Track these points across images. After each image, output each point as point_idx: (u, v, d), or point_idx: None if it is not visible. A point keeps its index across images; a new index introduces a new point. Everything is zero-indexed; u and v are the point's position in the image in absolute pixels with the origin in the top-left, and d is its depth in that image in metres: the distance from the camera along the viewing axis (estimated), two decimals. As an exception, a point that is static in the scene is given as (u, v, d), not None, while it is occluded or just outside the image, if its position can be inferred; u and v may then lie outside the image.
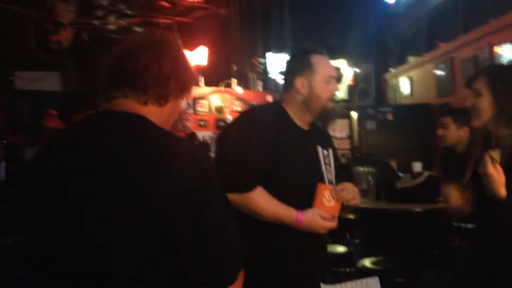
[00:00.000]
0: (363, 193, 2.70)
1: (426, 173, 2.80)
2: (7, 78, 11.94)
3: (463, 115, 3.26)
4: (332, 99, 1.86)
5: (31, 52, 8.52)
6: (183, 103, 7.94)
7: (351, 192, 1.79)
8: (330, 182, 1.85)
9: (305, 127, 1.91)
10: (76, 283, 1.07)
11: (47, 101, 12.49)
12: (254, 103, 8.48)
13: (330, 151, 1.94)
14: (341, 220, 4.02)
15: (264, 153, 1.74)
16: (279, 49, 8.03)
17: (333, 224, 1.75)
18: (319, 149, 1.88)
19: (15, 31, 9.22)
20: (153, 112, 1.16)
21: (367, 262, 2.76)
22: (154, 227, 1.02)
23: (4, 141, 9.34)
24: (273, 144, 1.76)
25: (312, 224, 1.71)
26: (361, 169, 2.66)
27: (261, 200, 1.70)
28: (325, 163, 1.88)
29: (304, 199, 1.79)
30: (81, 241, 1.05)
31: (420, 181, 2.72)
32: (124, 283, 1.04)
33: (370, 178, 2.66)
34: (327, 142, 1.98)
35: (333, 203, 1.74)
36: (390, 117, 5.81)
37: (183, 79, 1.19)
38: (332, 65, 1.85)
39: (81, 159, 1.08)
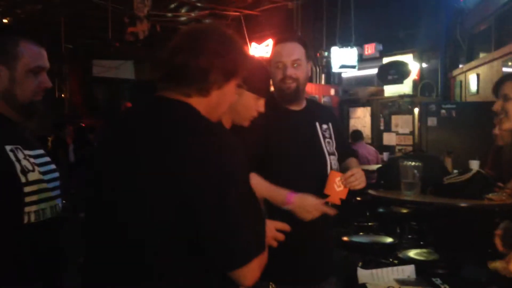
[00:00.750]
0: (408, 186, 2.77)
1: (474, 170, 2.81)
2: (86, 66, 12.77)
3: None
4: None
5: (108, 42, 9.08)
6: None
7: (358, 178, 1.90)
8: (330, 154, 2.02)
9: (298, 107, 2.06)
10: (108, 258, 1.20)
11: (120, 88, 13.25)
12: (317, 95, 8.56)
13: (330, 124, 2.09)
14: (392, 214, 4.06)
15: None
16: (343, 43, 8.04)
17: (329, 209, 1.85)
18: (317, 124, 2.03)
19: (95, 23, 9.87)
20: (198, 102, 1.24)
21: (410, 253, 2.83)
22: (180, 205, 1.11)
23: (82, 124, 10.04)
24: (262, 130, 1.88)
25: (303, 205, 1.81)
26: (408, 163, 2.73)
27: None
28: (325, 137, 2.04)
29: (309, 175, 1.93)
30: (114, 216, 1.18)
31: (467, 177, 2.74)
32: (149, 257, 1.15)
33: (416, 172, 2.71)
34: (326, 116, 2.13)
35: (342, 188, 1.89)
36: (452, 114, 5.72)
37: (225, 69, 1.24)
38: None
39: (122, 142, 1.22)
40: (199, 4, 9.70)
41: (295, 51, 2.02)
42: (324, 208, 1.85)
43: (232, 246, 1.14)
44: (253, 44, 9.37)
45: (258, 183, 1.75)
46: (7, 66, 1.43)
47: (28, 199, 1.39)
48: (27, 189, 1.38)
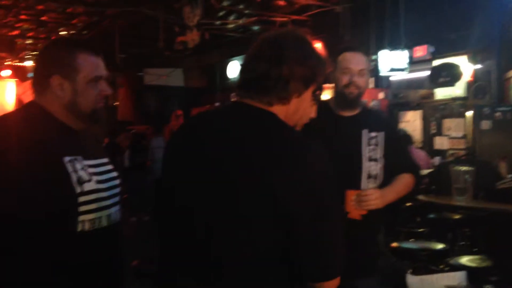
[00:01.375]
0: (460, 191, 2.72)
1: (529, 175, 2.72)
2: (138, 74, 13.19)
3: None
4: None
5: (159, 51, 9.33)
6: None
7: (371, 198, 1.96)
8: (372, 160, 2.10)
9: (350, 113, 2.16)
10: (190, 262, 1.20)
11: (171, 95, 13.59)
12: (365, 100, 8.46)
13: (382, 133, 2.16)
14: (444, 220, 3.98)
15: None
16: (393, 46, 7.91)
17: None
18: (364, 131, 2.12)
19: (146, 32, 10.18)
20: (279, 110, 1.26)
21: (462, 260, 2.76)
22: (273, 216, 1.11)
23: (133, 130, 10.38)
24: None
25: None
26: (459, 168, 2.67)
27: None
28: (369, 144, 2.12)
29: (340, 176, 1.96)
30: (200, 221, 1.18)
31: (522, 182, 2.66)
32: (234, 267, 1.15)
33: (467, 177, 2.66)
34: (378, 125, 2.19)
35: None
36: (507, 117, 5.52)
37: (305, 77, 1.25)
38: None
39: (216, 142, 1.21)
40: (246, 11, 9.81)
41: (362, 61, 2.15)
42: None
43: (325, 258, 1.17)
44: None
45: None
46: (68, 79, 1.51)
47: (82, 208, 1.45)
48: (81, 198, 1.44)
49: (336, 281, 1.19)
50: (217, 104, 10.69)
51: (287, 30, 1.35)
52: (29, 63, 12.38)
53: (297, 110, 1.30)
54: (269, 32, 1.33)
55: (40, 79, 1.54)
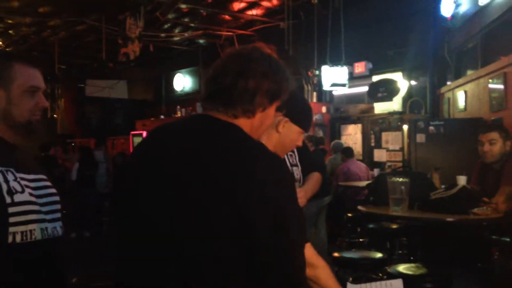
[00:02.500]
0: (396, 202, 2.85)
1: (460, 185, 2.89)
2: (79, 86, 12.86)
3: (505, 129, 3.33)
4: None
5: (102, 63, 9.17)
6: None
7: (299, 197, 2.06)
8: (293, 165, 2.24)
9: None
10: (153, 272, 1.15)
11: (114, 107, 13.32)
12: (309, 114, 8.66)
13: None
14: (383, 229, 4.12)
15: None
16: (334, 62, 8.18)
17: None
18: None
19: (89, 44, 9.98)
20: (244, 123, 1.25)
21: (399, 268, 2.88)
22: (235, 225, 1.08)
23: (73, 144, 10.08)
24: None
25: None
26: (395, 179, 2.80)
27: None
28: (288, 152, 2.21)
29: None
30: (163, 225, 1.14)
31: (453, 193, 2.82)
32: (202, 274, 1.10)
33: (403, 188, 2.79)
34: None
35: None
36: (441, 130, 5.82)
37: (271, 91, 1.26)
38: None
39: (178, 153, 1.18)
40: (192, 25, 9.83)
41: None
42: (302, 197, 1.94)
43: (286, 269, 1.13)
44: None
45: None
46: (3, 88, 1.49)
47: (13, 219, 1.40)
48: (12, 209, 1.40)
49: None
50: (162, 117, 10.58)
51: (254, 46, 1.32)
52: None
53: (261, 125, 1.31)
54: (237, 47, 1.34)
55: None
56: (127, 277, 1.23)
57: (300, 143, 1.85)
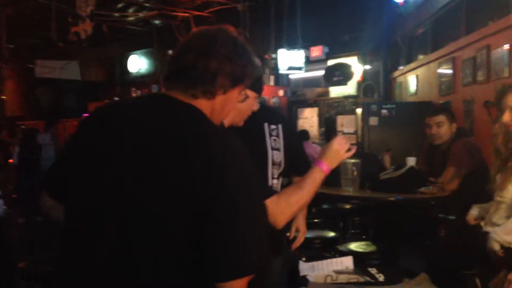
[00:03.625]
0: (348, 182, 2.92)
1: (408, 166, 3.00)
2: (28, 66, 12.35)
3: (451, 112, 3.46)
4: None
5: (52, 42, 8.83)
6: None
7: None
8: (274, 149, 2.25)
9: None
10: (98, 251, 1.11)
11: (66, 89, 12.91)
12: (266, 97, 8.69)
13: (279, 126, 2.33)
14: (336, 210, 4.21)
15: None
16: (291, 45, 8.22)
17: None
18: (266, 124, 2.28)
19: (38, 22, 9.58)
20: (203, 105, 1.21)
21: (350, 246, 2.97)
22: (185, 213, 1.06)
23: (23, 126, 9.72)
24: None
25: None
26: (347, 160, 2.87)
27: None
28: (271, 135, 2.29)
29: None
30: (114, 211, 1.10)
31: (401, 173, 2.92)
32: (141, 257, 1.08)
33: (354, 168, 2.86)
34: (276, 119, 2.34)
35: None
36: (393, 113, 5.99)
37: (234, 74, 1.22)
38: None
39: (131, 133, 1.15)
40: (147, 5, 9.61)
41: None
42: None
43: (229, 256, 1.08)
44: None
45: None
46: None
47: None
48: None
49: (241, 282, 1.09)
50: (116, 98, 10.34)
51: (220, 27, 1.28)
52: None
53: (223, 108, 1.27)
54: (203, 27, 1.30)
55: None
56: (71, 263, 1.18)
57: (255, 108, 1.94)
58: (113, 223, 1.10)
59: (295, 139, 2.61)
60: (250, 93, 1.82)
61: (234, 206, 1.08)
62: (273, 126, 2.32)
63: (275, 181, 2.30)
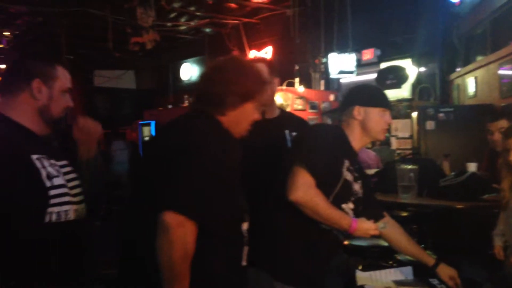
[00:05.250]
0: (405, 189, 2.83)
1: (469, 172, 2.87)
2: (87, 76, 12.86)
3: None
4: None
5: (109, 52, 9.15)
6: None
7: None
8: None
9: (271, 116, 2.30)
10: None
11: (122, 97, 13.33)
12: (316, 102, 8.63)
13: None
14: (393, 217, 4.13)
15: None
16: (341, 49, 8.11)
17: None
18: (287, 132, 2.27)
19: (95, 33, 9.95)
20: (223, 120, 1.58)
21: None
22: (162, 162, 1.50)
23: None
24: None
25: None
26: (404, 166, 2.79)
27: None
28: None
29: (268, 175, 2.04)
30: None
31: (462, 179, 2.80)
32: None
33: (412, 175, 2.77)
34: (297, 126, 2.33)
35: None
36: (451, 117, 5.77)
37: (239, 93, 1.57)
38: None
39: (156, 145, 1.67)
40: (198, 13, 9.77)
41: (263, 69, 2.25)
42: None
43: (170, 192, 1.41)
44: (253, 51, 9.45)
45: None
46: (47, 85, 1.70)
47: (52, 201, 1.56)
48: (52, 192, 1.57)
49: (177, 217, 1.38)
50: (170, 106, 10.59)
51: (233, 57, 1.85)
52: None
53: (238, 122, 1.61)
54: (217, 60, 1.70)
55: (18, 81, 1.68)
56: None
57: (389, 120, 2.00)
58: (136, 199, 1.61)
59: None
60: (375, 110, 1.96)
61: (187, 165, 1.43)
62: (294, 134, 2.26)
63: None
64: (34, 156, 1.57)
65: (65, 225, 1.58)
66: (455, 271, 2.12)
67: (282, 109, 2.43)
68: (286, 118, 2.39)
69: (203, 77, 1.64)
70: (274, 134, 2.25)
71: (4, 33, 10.40)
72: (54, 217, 1.55)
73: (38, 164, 1.56)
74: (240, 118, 1.61)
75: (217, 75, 1.59)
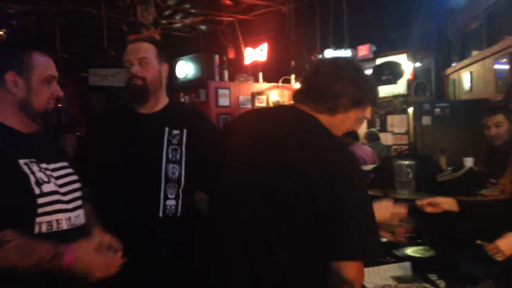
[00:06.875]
0: (403, 185, 2.83)
1: (467, 167, 2.87)
2: (82, 75, 12.81)
3: (509, 110, 3.30)
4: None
5: (103, 50, 9.11)
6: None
7: None
8: (171, 162, 1.90)
9: (148, 111, 1.96)
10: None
11: (117, 96, 13.27)
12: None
13: (185, 130, 1.96)
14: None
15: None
16: (337, 45, 8.10)
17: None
18: (166, 129, 1.94)
19: (89, 32, 9.91)
20: (324, 119, 1.49)
21: (407, 251, 2.87)
22: (304, 200, 1.33)
23: (78, 133, 10.07)
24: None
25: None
26: (401, 162, 2.78)
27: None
28: (170, 143, 1.92)
29: (136, 182, 1.87)
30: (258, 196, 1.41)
31: (460, 174, 2.79)
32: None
33: (409, 171, 2.77)
34: (184, 121, 1.99)
35: None
36: (447, 112, 5.78)
37: (355, 97, 1.50)
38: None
39: (270, 136, 1.45)
40: (193, 11, 9.74)
41: (144, 49, 1.96)
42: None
43: (345, 238, 1.30)
44: (248, 48, 9.42)
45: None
46: (22, 76, 1.49)
47: (41, 210, 1.41)
48: (41, 200, 1.41)
49: (355, 265, 1.30)
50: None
51: (347, 57, 1.74)
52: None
53: (341, 125, 1.52)
54: (332, 57, 1.63)
55: None
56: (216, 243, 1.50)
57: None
58: (249, 213, 1.39)
59: (205, 148, 1.97)
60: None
61: (353, 209, 1.32)
62: (174, 131, 1.96)
63: (170, 202, 1.90)
64: (22, 161, 1.42)
65: (57, 236, 1.43)
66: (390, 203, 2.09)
67: (173, 102, 2.08)
68: (171, 110, 2.02)
69: (319, 71, 1.53)
70: (150, 133, 1.92)
71: (-2, 33, 10.34)
72: (44, 227, 1.41)
73: (26, 169, 1.41)
74: (344, 123, 1.53)
75: (338, 72, 1.49)
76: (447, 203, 2.14)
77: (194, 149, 1.97)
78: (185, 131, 1.99)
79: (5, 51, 1.54)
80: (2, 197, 1.35)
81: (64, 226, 1.47)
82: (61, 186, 1.51)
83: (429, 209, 2.16)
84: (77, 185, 1.61)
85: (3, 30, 10.25)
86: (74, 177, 1.61)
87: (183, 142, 1.96)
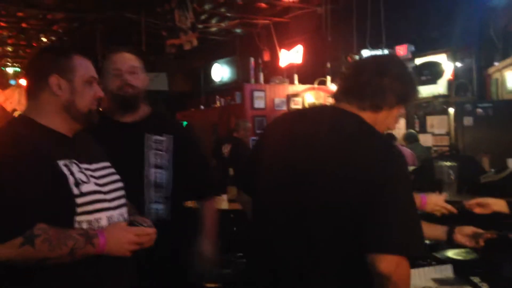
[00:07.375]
0: (445, 186, 2.76)
1: (511, 168, 2.78)
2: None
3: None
4: None
5: (142, 55, 9.29)
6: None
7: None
8: (155, 167, 1.96)
9: (130, 119, 2.01)
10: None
11: (156, 99, 13.50)
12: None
13: (170, 137, 2.03)
14: (432, 215, 4.05)
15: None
16: (374, 45, 8.00)
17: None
18: (147, 135, 1.99)
19: (129, 37, 10.14)
20: (368, 116, 1.45)
21: (448, 253, 2.80)
22: (358, 194, 1.32)
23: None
24: None
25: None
26: (442, 163, 2.72)
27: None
28: (150, 147, 1.97)
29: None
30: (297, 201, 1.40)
31: (504, 176, 2.71)
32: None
33: (451, 172, 2.70)
34: (169, 129, 2.06)
35: None
36: (489, 113, 5.61)
37: (400, 94, 1.46)
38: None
39: (303, 136, 1.44)
40: (228, 15, 9.82)
41: (132, 59, 2.09)
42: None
43: (382, 231, 1.28)
44: (283, 50, 9.42)
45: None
46: (66, 78, 1.54)
47: (80, 209, 1.45)
48: (79, 200, 1.45)
49: (391, 259, 1.26)
50: (202, 107, 10.66)
51: (391, 53, 1.70)
52: (10, 70, 12.22)
53: (383, 122, 1.48)
54: (371, 56, 1.60)
55: (36, 81, 1.56)
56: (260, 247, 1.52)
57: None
58: (292, 213, 1.38)
59: (194, 154, 2.15)
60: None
61: (394, 198, 1.30)
62: (157, 137, 2.01)
63: (157, 206, 1.94)
64: (61, 162, 1.46)
65: None
66: (473, 227, 2.10)
67: (155, 111, 2.15)
68: (152, 119, 2.09)
69: (363, 68, 1.49)
70: (131, 139, 1.97)
71: (42, 39, 10.71)
72: (84, 226, 1.45)
73: (65, 170, 1.45)
74: (386, 120, 1.50)
75: (384, 68, 1.45)
76: (497, 204, 2.05)
77: (183, 155, 2.04)
78: (172, 137, 2.05)
79: (48, 56, 1.60)
80: (41, 197, 1.39)
81: (105, 224, 1.50)
82: (102, 185, 1.55)
83: (477, 210, 2.08)
84: (119, 185, 1.64)
85: (46, 37, 10.62)
86: (116, 177, 1.65)
87: (170, 148, 2.03)
